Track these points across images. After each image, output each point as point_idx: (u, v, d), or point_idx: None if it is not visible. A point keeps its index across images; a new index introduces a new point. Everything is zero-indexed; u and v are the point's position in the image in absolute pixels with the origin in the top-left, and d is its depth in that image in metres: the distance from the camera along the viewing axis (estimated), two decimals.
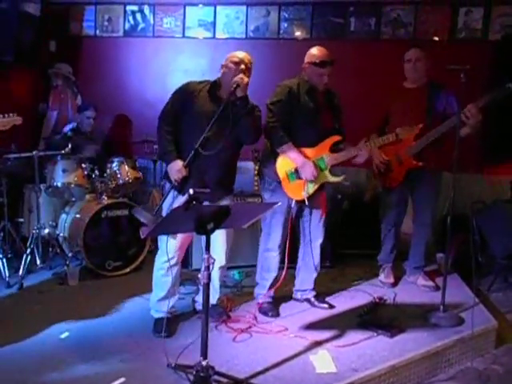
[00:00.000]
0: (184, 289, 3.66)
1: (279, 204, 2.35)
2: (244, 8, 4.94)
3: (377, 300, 3.39)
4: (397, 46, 4.61)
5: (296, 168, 3.11)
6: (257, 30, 4.95)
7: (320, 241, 3.35)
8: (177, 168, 2.83)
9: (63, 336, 2.89)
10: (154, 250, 4.15)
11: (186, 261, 4.14)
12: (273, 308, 3.30)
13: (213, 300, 3.03)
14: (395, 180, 3.65)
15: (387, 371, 2.60)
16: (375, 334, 2.96)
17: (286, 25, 4.89)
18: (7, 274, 3.65)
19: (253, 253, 4.28)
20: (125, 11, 5.14)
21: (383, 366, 2.61)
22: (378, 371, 2.57)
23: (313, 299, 3.42)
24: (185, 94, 2.94)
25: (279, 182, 3.15)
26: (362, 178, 4.76)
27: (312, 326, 3.11)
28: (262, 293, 3.34)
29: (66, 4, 5.21)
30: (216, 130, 2.79)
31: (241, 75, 2.80)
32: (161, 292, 3.00)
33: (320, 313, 3.31)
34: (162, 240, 2.95)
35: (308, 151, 3.14)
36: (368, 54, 4.75)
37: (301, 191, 3.12)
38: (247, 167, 4.97)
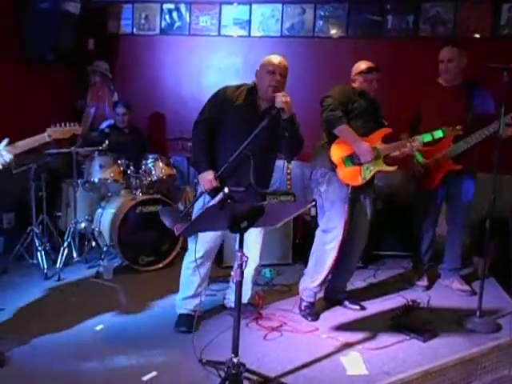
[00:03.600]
0: (216, 286, 3.69)
1: (312, 204, 2.33)
2: (280, 6, 4.91)
3: (410, 303, 3.33)
4: (436, 43, 4.50)
5: (352, 153, 3.09)
6: (292, 29, 4.92)
7: (365, 240, 3.32)
8: (208, 178, 2.82)
9: (98, 328, 2.96)
10: (186, 247, 4.22)
11: (218, 258, 4.18)
12: (313, 312, 3.23)
13: (244, 299, 3.04)
14: (432, 183, 3.57)
15: (420, 376, 2.55)
16: (408, 338, 2.92)
17: (321, 23, 4.84)
18: (46, 266, 3.76)
19: (284, 251, 4.29)
20: (161, 9, 5.20)
21: (416, 370, 2.57)
22: (411, 376, 2.53)
23: (344, 300, 3.39)
24: (222, 101, 2.92)
25: (333, 170, 3.11)
26: (396, 179, 4.68)
27: (343, 327, 3.09)
28: (309, 287, 3.24)
29: (104, 2, 5.31)
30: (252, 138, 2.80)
31: (282, 97, 2.72)
32: (187, 291, 3.03)
33: (352, 314, 3.28)
34: (191, 239, 2.97)
35: (364, 139, 3.13)
36: (406, 53, 4.66)
37: (357, 176, 3.11)
38: (280, 166, 4.94)
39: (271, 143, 2.92)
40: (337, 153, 3.12)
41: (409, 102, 3.76)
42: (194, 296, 3.03)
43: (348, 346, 2.83)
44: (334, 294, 3.43)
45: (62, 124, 2.65)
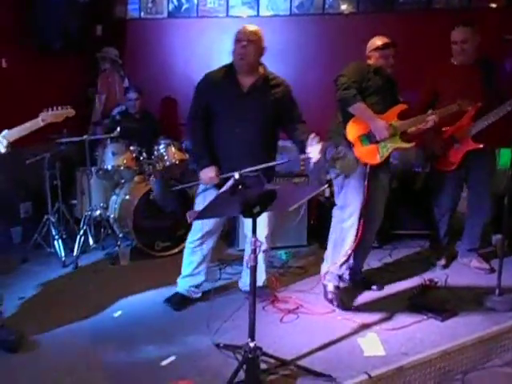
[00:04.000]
0: (231, 269, 3.71)
1: (326, 187, 2.30)
2: None
3: (427, 282, 3.29)
4: (450, 15, 4.37)
5: (369, 131, 3.04)
6: (301, 6, 4.80)
7: (381, 218, 3.28)
8: (210, 175, 2.83)
9: (116, 315, 3.00)
10: None
11: (233, 241, 4.20)
12: (339, 297, 3.13)
13: (259, 282, 3.05)
14: (452, 163, 3.48)
15: (438, 356, 2.54)
16: (425, 318, 2.90)
17: None
18: (63, 254, 3.81)
19: (299, 233, 4.27)
20: None
21: (434, 350, 2.55)
22: (429, 356, 2.51)
23: (361, 280, 3.37)
24: (206, 87, 2.89)
25: (349, 148, 3.05)
26: (410, 156, 4.60)
27: (361, 308, 3.08)
28: (331, 270, 3.16)
29: None
30: (244, 118, 2.78)
31: (319, 150, 2.58)
32: (185, 270, 3.11)
33: (368, 294, 3.26)
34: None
35: (381, 116, 3.08)
36: (419, 27, 4.52)
37: (375, 155, 3.07)
38: (292, 147, 4.90)
39: (264, 124, 2.86)
40: (353, 131, 3.07)
41: (423, 79, 3.66)
42: (191, 275, 3.09)
43: (365, 327, 2.82)
44: (351, 275, 3.40)
45: (55, 108, 2.62)
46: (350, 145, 3.07)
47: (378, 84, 3.11)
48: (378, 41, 3.17)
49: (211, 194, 2.77)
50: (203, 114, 2.89)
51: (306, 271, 3.65)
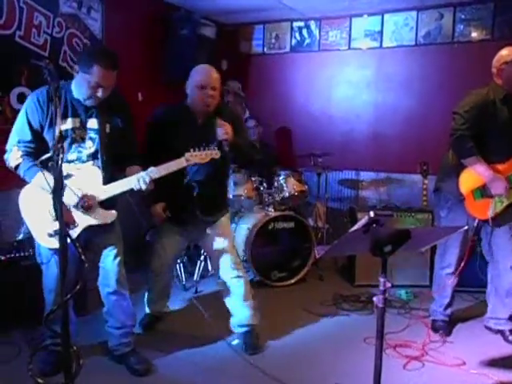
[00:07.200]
0: (347, 305, 3.59)
1: (465, 228, 2.14)
2: (414, 13, 4.69)
3: None
4: None
5: (483, 184, 2.86)
6: (428, 36, 4.66)
7: (510, 262, 2.98)
8: (156, 212, 2.85)
9: (234, 343, 3.02)
10: (316, 263, 4.17)
11: (350, 276, 4.09)
12: (446, 327, 3.15)
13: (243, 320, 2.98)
14: None
15: None
16: None
17: (461, 27, 4.51)
18: (184, 278, 3.97)
19: (420, 271, 4.02)
20: (291, 28, 5.27)
21: None
22: None
23: (508, 333, 3.04)
24: (162, 124, 2.87)
25: (460, 200, 2.93)
26: None
27: (497, 363, 2.77)
28: (438, 310, 3.19)
29: (237, 25, 5.54)
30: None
31: (225, 130, 2.63)
32: None
33: (509, 348, 2.94)
34: None
35: (499, 166, 2.87)
36: None
37: (486, 210, 2.86)
38: (414, 181, 4.71)
39: (219, 169, 2.83)
40: (466, 181, 2.91)
41: None
42: None
43: None
44: (494, 322, 3.11)
45: (201, 148, 2.58)
46: (460, 196, 2.91)
47: (504, 118, 2.83)
48: (509, 51, 2.87)
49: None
50: (156, 145, 2.85)
51: (430, 315, 3.39)
